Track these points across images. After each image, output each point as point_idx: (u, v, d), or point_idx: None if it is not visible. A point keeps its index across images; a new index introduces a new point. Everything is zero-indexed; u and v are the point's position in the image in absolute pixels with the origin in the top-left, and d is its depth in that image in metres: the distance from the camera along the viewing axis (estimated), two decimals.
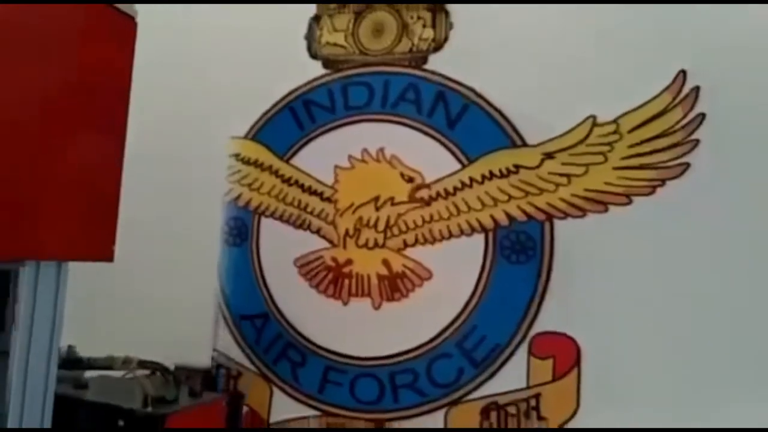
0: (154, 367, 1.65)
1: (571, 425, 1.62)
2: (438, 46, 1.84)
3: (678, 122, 1.61)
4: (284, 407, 1.89)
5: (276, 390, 1.90)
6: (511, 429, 1.67)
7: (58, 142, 1.37)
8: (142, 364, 1.65)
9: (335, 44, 1.94)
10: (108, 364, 1.63)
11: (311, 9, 1.97)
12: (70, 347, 1.67)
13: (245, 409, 1.91)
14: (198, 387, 1.71)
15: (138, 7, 1.54)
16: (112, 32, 1.50)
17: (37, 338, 1.42)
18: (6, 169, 1.24)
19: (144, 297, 1.94)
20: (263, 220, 1.97)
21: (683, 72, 1.61)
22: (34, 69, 1.30)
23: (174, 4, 1.99)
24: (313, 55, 1.96)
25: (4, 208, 1.25)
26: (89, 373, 1.67)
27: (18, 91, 1.27)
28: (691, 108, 1.60)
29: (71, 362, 1.61)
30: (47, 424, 1.43)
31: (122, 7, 1.50)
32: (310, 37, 1.96)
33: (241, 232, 1.98)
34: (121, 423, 1.50)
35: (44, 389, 1.43)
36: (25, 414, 1.41)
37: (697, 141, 1.59)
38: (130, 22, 1.53)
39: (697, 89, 1.60)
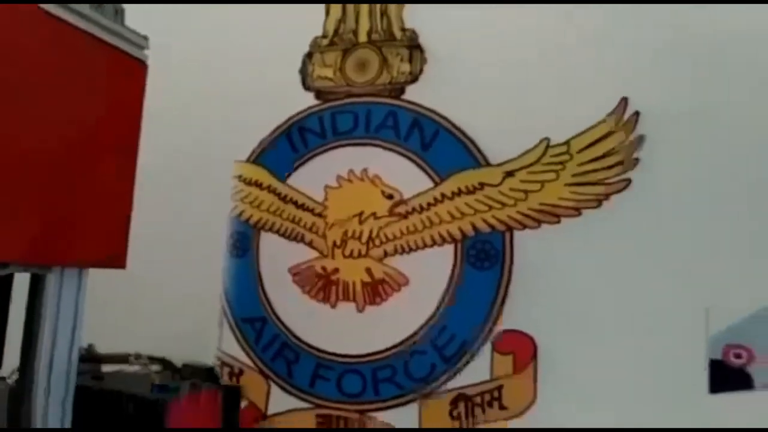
0: (162, 363, 1.89)
1: (529, 414, 1.81)
2: (414, 78, 2.08)
3: (621, 143, 1.81)
4: (280, 401, 2.10)
5: (273, 385, 2.12)
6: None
7: (79, 167, 1.62)
8: (152, 359, 1.89)
9: (325, 77, 2.19)
10: (122, 359, 1.87)
11: (305, 47, 2.22)
12: (89, 345, 1.92)
13: (245, 402, 2.14)
14: (199, 381, 1.93)
15: (151, 45, 1.81)
16: (128, 74, 1.77)
17: (60, 335, 1.67)
18: (38, 190, 1.51)
19: (156, 301, 2.18)
20: (262, 233, 2.21)
21: (625, 99, 1.82)
22: (60, 105, 1.57)
23: (185, 46, 2.26)
24: (307, 88, 2.21)
25: (36, 221, 1.51)
26: (105, 367, 1.92)
27: (47, 124, 1.54)
28: (633, 130, 1.81)
29: (90, 358, 1.85)
30: (69, 415, 1.66)
31: (135, 52, 1.78)
32: (304, 72, 2.22)
33: (243, 244, 2.23)
34: (130, 408, 1.74)
35: (66, 381, 1.67)
36: (50, 404, 1.65)
37: (638, 159, 1.80)
38: (143, 65, 1.80)
39: (637, 114, 1.81)
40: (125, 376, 1.91)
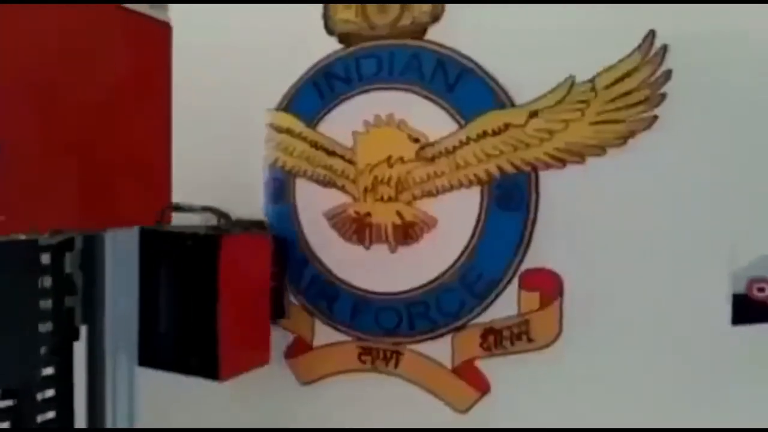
0: (216, 211, 2.08)
1: (554, 347, 1.91)
2: (435, 17, 2.05)
3: (647, 79, 1.77)
4: (324, 334, 2.28)
5: (316, 321, 2.29)
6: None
7: (117, 135, 1.74)
8: (208, 209, 2.08)
9: (347, 20, 2.18)
10: (177, 206, 2.02)
11: None
12: None
13: (293, 336, 2.33)
14: (250, 226, 2.17)
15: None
16: (153, 39, 1.84)
17: (119, 282, 1.86)
18: (82, 160, 1.63)
19: None
20: (297, 179, 2.30)
21: (652, 32, 1.76)
22: (92, 80, 1.66)
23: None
24: (330, 32, 2.21)
25: (97, 192, 1.66)
26: None
27: (85, 98, 1.64)
28: (660, 65, 1.76)
29: None
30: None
31: (159, 15, 1.84)
32: (326, 16, 2.21)
33: (281, 190, 2.33)
34: (188, 243, 1.96)
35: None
36: (119, 344, 1.87)
37: (664, 95, 1.76)
38: (167, 27, 1.86)
39: (664, 47, 1.75)
40: (183, 221, 2.11)
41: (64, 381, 1.75)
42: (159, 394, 2.07)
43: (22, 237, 1.51)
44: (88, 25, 1.63)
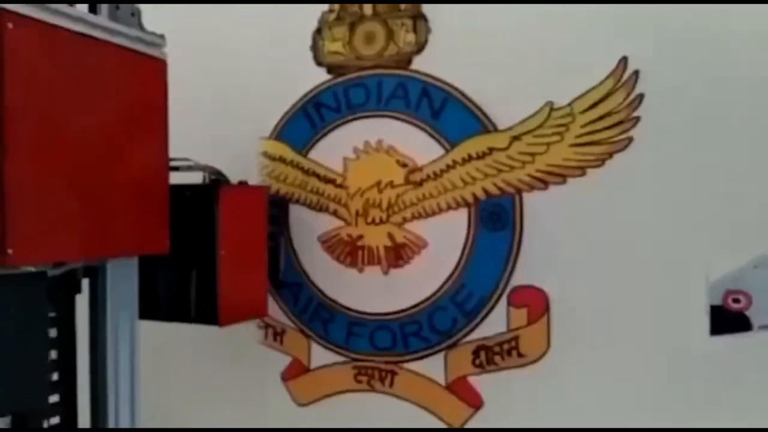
0: (212, 169, 2.11)
1: (543, 361, 1.98)
2: (420, 48, 2.14)
3: (621, 102, 1.87)
4: (320, 356, 2.33)
5: (312, 343, 2.35)
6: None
7: (116, 168, 1.79)
8: (201, 166, 2.10)
9: (335, 52, 2.27)
10: (175, 166, 2.01)
11: (314, 24, 2.30)
12: None
13: (289, 359, 2.38)
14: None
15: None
16: (149, 74, 1.90)
17: (122, 307, 1.91)
18: (83, 194, 1.69)
19: None
20: (291, 205, 2.38)
21: (625, 58, 1.86)
22: (91, 115, 1.72)
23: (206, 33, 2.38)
24: (319, 63, 2.31)
25: (99, 223, 1.71)
26: None
27: (84, 134, 1.70)
28: (632, 89, 1.86)
29: None
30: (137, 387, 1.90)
31: (154, 52, 1.91)
32: (314, 48, 2.31)
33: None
34: (188, 194, 1.99)
35: (131, 343, 1.91)
36: (120, 374, 1.90)
37: (638, 118, 1.85)
38: (162, 63, 1.93)
39: (636, 73, 1.85)
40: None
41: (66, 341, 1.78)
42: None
43: (31, 269, 1.56)
44: (90, 63, 1.70)
